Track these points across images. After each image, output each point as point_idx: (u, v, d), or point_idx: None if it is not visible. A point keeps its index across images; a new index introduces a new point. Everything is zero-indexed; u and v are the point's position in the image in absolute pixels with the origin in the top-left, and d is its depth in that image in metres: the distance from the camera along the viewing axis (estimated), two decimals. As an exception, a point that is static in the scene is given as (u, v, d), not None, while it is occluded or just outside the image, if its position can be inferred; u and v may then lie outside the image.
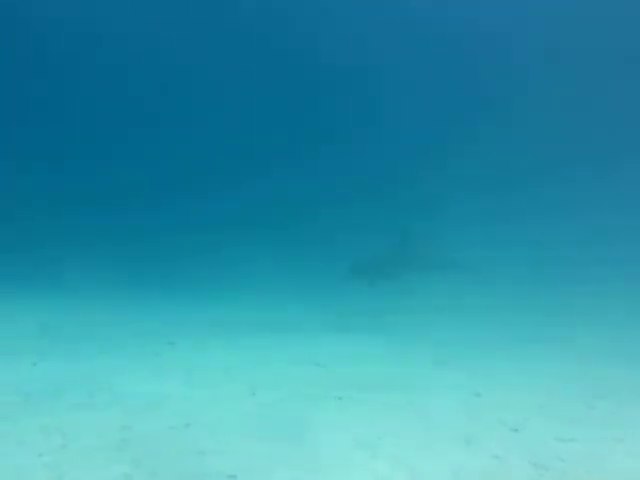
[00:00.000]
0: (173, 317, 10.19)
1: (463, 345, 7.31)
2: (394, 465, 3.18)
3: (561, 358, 6.24)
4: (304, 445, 3.50)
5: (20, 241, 15.01)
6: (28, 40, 25.37)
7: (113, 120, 25.78)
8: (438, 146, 24.84)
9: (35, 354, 6.39)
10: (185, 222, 18.51)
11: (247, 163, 24.49)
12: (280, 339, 7.99)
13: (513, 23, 28.40)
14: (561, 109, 26.14)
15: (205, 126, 26.57)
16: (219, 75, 27.22)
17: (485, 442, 3.50)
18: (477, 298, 12.20)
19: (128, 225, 17.92)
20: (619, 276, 12.59)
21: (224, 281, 14.38)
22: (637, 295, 11.02)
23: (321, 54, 27.16)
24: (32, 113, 25.47)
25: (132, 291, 12.81)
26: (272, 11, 26.17)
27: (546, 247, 15.76)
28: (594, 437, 3.60)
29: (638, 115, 25.98)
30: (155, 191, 21.37)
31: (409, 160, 25.08)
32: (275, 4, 26.11)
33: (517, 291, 12.27)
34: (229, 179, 23.19)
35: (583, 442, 3.50)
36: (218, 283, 14.21)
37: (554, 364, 5.90)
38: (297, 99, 27.78)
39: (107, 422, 3.95)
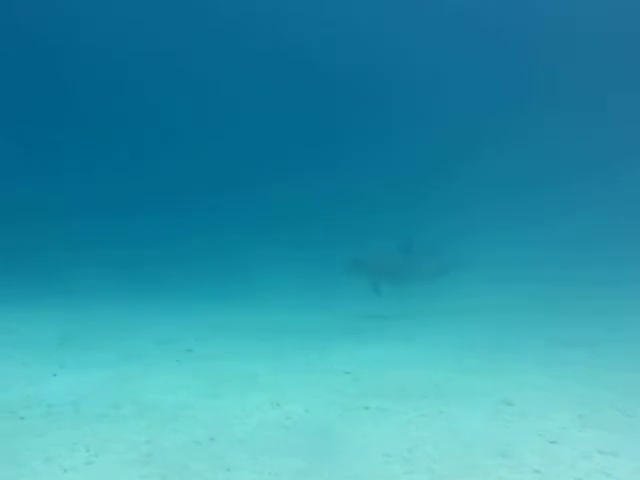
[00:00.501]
0: (188, 322, 10.15)
1: (487, 349, 7.15)
2: (430, 481, 3.06)
3: (593, 362, 6.06)
4: (334, 460, 3.39)
5: (34, 247, 15.07)
6: (37, 41, 25.49)
7: (131, 125, 25.89)
8: (449, 150, 24.62)
9: (55, 364, 6.34)
10: (200, 226, 18.52)
11: (259, 168, 24.46)
12: (299, 344, 7.89)
13: (534, 24, 27.97)
14: (570, 110, 25.80)
15: (219, 133, 26.61)
16: (235, 80, 27.24)
17: (523, 455, 3.36)
18: (496, 299, 12.01)
19: (143, 230, 17.96)
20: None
21: (238, 285, 14.35)
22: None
23: (335, 57, 27.05)
24: (38, 114, 25.57)
25: (147, 296, 12.81)
26: (287, 14, 26.12)
27: (570, 248, 15.50)
28: (637, 449, 3.46)
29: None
30: (170, 196, 21.42)
31: (420, 165, 24.89)
32: (289, 7, 26.07)
33: (540, 291, 12.05)
34: (243, 184, 23.21)
35: (626, 455, 3.36)
36: (233, 287, 14.19)
37: (586, 369, 5.72)
38: (306, 104, 27.68)
39: (131, 436, 3.87)
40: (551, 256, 15.27)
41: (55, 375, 5.79)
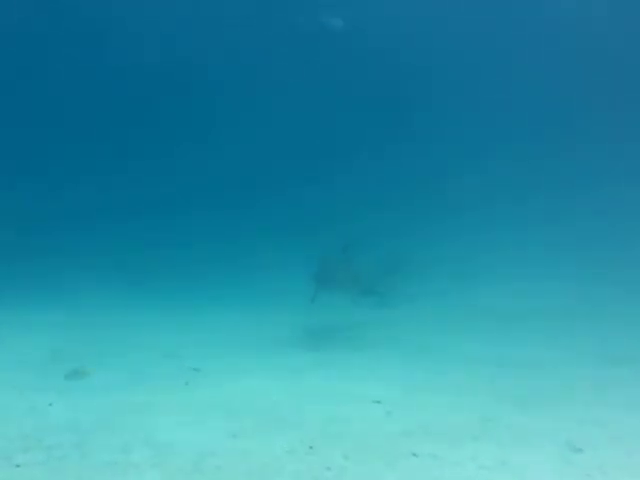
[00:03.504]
0: (188, 331, 9.53)
1: (518, 366, 6.60)
2: None
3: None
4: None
5: (29, 253, 14.32)
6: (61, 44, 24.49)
7: (127, 126, 25.04)
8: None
9: (52, 389, 5.74)
10: (204, 234, 17.77)
11: (261, 176, 23.79)
12: (311, 359, 7.36)
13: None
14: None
15: (222, 142, 25.85)
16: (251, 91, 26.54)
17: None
18: (528, 303, 11.26)
19: (142, 237, 17.20)
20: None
21: (239, 292, 13.64)
22: None
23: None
24: (30, 115, 24.69)
25: (144, 304, 12.08)
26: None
27: (603, 248, 14.60)
28: None
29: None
30: (169, 202, 20.64)
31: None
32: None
33: (578, 294, 11.24)
34: (247, 191, 22.55)
35: None
36: (233, 294, 13.48)
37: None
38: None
39: (149, 494, 3.31)
40: (594, 256, 14.22)
41: (52, 405, 5.18)
